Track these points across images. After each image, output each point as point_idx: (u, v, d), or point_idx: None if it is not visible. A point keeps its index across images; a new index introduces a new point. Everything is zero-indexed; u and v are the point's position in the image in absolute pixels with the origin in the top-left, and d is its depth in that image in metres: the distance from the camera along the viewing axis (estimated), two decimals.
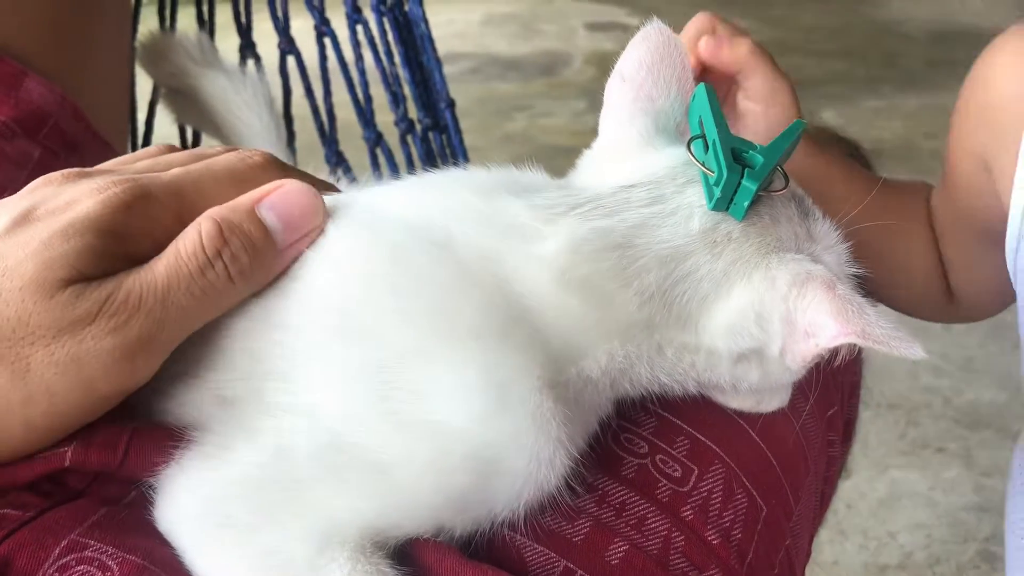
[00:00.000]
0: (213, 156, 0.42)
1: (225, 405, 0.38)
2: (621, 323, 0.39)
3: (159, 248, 0.38)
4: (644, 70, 0.44)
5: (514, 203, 0.40)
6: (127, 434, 0.38)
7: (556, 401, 0.37)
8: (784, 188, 0.41)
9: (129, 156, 0.45)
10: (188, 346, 0.39)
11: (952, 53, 3.35)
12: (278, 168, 0.43)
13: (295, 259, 0.39)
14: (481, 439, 0.35)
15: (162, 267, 0.37)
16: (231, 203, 0.39)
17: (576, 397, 0.38)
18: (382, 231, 0.40)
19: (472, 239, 0.39)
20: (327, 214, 0.40)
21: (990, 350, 1.68)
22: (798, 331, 0.38)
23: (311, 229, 0.39)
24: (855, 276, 0.41)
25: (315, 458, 0.36)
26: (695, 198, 0.40)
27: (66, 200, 0.38)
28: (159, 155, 0.44)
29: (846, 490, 1.37)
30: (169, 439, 0.38)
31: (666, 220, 0.39)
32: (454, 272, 0.38)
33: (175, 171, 0.41)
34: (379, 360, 0.36)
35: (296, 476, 0.35)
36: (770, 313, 0.39)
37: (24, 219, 0.37)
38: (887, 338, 0.37)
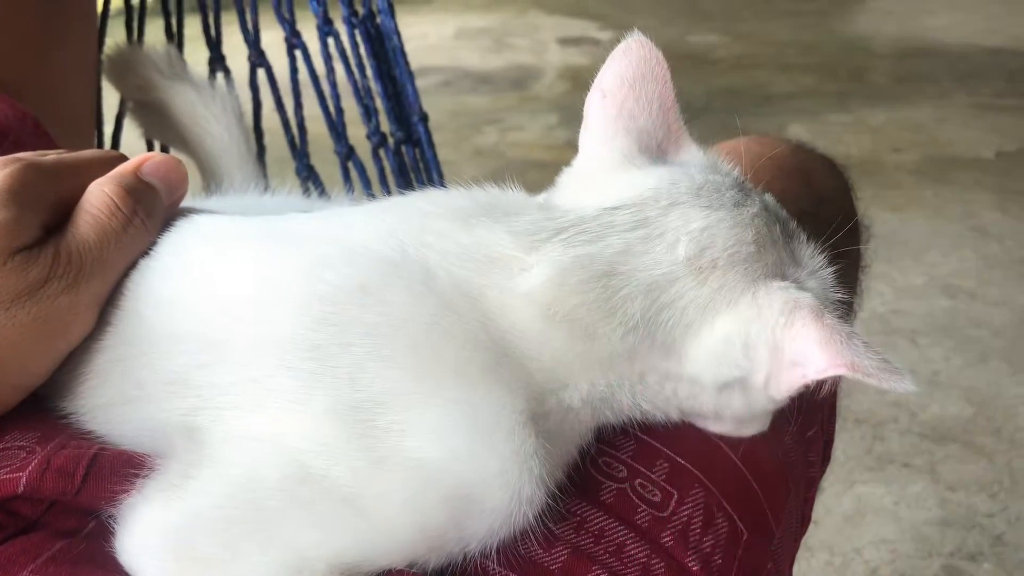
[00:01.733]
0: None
1: (190, 432, 0.37)
2: (604, 354, 0.38)
3: (56, 216, 0.42)
4: (626, 86, 0.43)
5: (494, 230, 0.39)
6: (86, 460, 0.37)
7: (538, 436, 0.36)
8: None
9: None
10: (146, 372, 0.38)
11: (919, 68, 3.40)
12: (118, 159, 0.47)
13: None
14: (463, 478, 0.35)
15: (89, 228, 0.41)
16: (116, 172, 0.44)
17: (557, 427, 0.38)
18: (351, 270, 0.38)
19: (452, 274, 0.38)
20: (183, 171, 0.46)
21: (955, 364, 1.70)
22: (784, 360, 0.38)
23: (182, 180, 0.46)
24: (841, 302, 0.40)
25: (283, 490, 0.35)
26: (680, 222, 0.39)
27: None
28: None
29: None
30: (131, 466, 0.37)
31: (651, 246, 0.39)
32: (434, 310, 0.37)
33: (52, 154, 0.45)
34: (357, 399, 0.35)
35: (263, 508, 0.34)
36: (756, 342, 0.38)
37: None
38: (877, 371, 0.36)
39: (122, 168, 0.44)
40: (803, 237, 0.43)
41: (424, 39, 3.81)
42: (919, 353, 1.73)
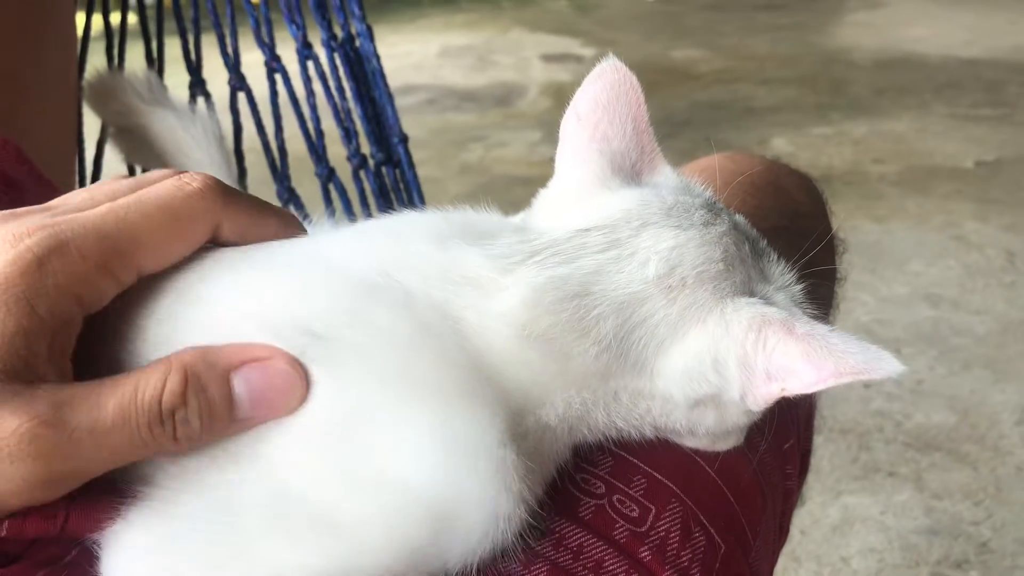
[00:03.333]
0: (151, 183, 0.39)
1: (175, 458, 0.37)
2: (579, 372, 0.39)
3: (81, 304, 0.35)
4: (600, 109, 0.44)
5: (470, 253, 0.39)
6: (65, 503, 0.36)
7: (518, 455, 0.36)
8: None
9: (74, 192, 0.41)
10: None
11: (898, 80, 3.44)
12: (221, 196, 0.39)
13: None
14: (442, 497, 0.35)
15: (113, 407, 0.33)
16: (208, 356, 0.35)
17: (536, 446, 0.38)
18: (333, 293, 0.38)
19: (430, 295, 0.38)
20: (304, 395, 0.36)
21: (939, 372, 1.72)
22: (757, 375, 0.39)
23: (277, 413, 0.36)
24: (812, 316, 0.41)
25: (264, 512, 0.35)
26: (651, 242, 0.40)
27: None
28: (105, 186, 0.40)
29: (800, 516, 1.38)
30: (115, 494, 0.37)
31: (622, 265, 0.39)
32: (413, 330, 0.37)
33: (100, 209, 0.37)
34: (336, 419, 0.36)
35: (244, 531, 0.35)
36: (726, 358, 0.39)
37: None
38: (862, 366, 0.37)
39: (223, 356, 0.36)
40: (773, 255, 0.44)
41: (408, 57, 3.83)
42: (903, 362, 1.74)
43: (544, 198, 0.45)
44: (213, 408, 0.35)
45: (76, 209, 0.37)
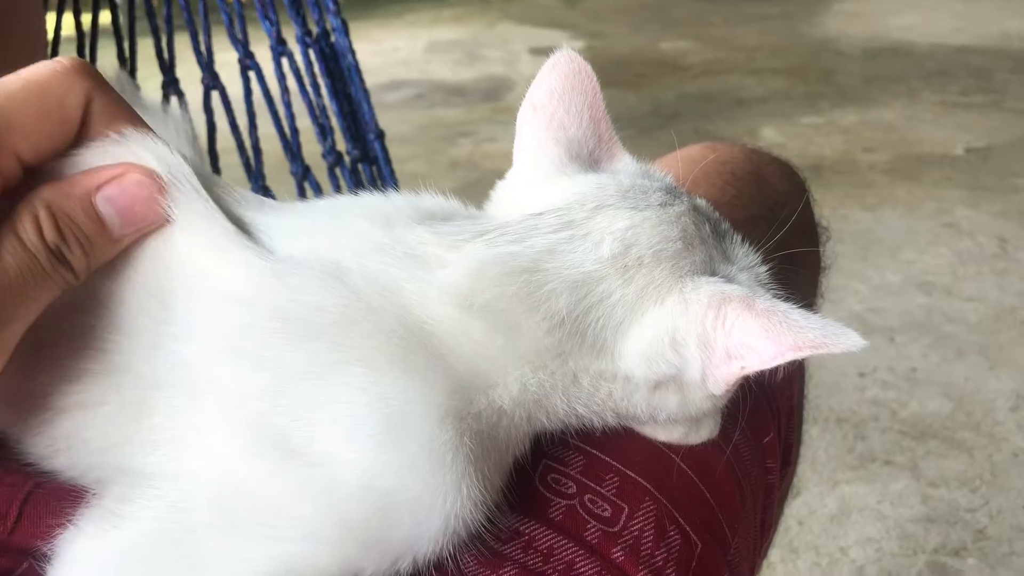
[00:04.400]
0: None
1: (125, 453, 0.36)
2: (529, 349, 0.38)
3: None
4: (555, 99, 0.43)
5: (416, 230, 0.39)
6: (20, 498, 0.36)
7: (461, 433, 0.35)
8: None
9: None
10: (78, 411, 0.37)
11: (887, 68, 3.43)
12: (91, 73, 0.38)
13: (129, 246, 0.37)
14: (372, 469, 0.34)
15: (12, 261, 0.34)
16: (66, 187, 0.36)
17: (490, 432, 0.37)
18: (265, 270, 0.37)
19: (366, 268, 0.37)
20: (165, 198, 0.37)
21: (933, 360, 1.71)
22: (717, 354, 0.38)
23: (150, 222, 0.37)
24: (784, 299, 0.40)
25: (209, 505, 0.34)
26: (605, 223, 0.39)
27: None
28: None
29: (797, 507, 1.37)
30: (68, 499, 0.36)
31: (575, 245, 0.39)
32: (345, 302, 0.36)
33: None
34: (266, 399, 0.35)
35: (190, 529, 0.34)
36: (685, 337, 0.38)
37: None
38: (822, 340, 0.36)
39: (79, 184, 0.36)
40: (737, 237, 0.43)
41: (395, 53, 3.81)
42: (897, 350, 1.73)
43: (502, 188, 0.44)
44: (89, 234, 0.36)
45: None
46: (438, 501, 0.34)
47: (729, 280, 0.39)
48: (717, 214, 0.44)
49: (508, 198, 0.43)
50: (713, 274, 0.40)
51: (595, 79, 0.44)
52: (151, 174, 0.37)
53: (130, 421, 0.36)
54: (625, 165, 0.44)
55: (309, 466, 0.34)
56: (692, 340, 0.38)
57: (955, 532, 1.33)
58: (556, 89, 0.43)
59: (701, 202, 0.44)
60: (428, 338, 0.36)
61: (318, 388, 0.35)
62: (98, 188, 0.36)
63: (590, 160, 0.44)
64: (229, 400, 0.35)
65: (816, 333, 0.36)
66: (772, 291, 0.40)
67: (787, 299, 0.38)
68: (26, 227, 0.35)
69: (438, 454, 0.34)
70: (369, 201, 0.42)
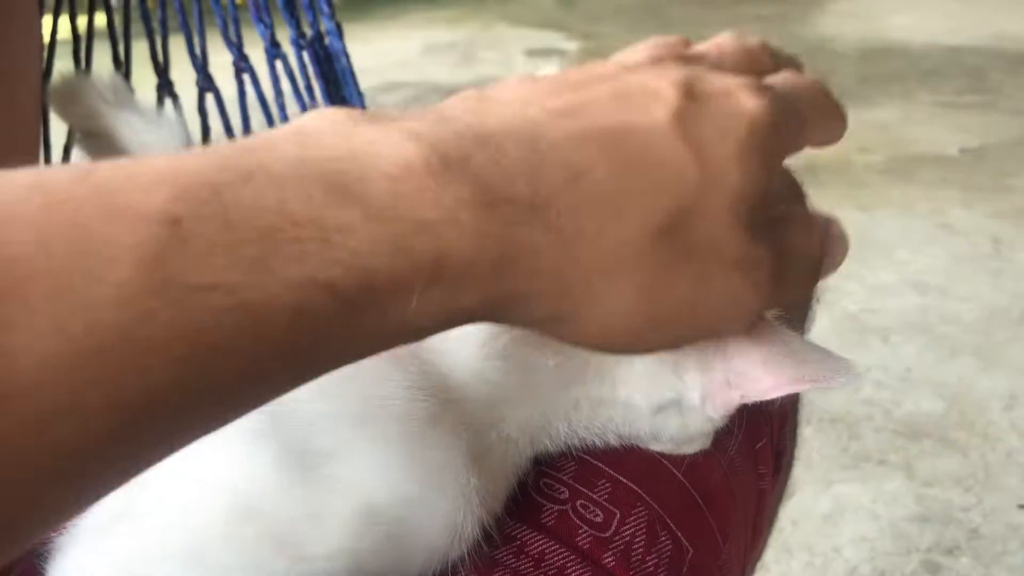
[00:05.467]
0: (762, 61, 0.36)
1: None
2: (538, 384, 0.38)
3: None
4: None
5: None
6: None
7: (481, 475, 0.36)
8: None
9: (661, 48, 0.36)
10: None
11: (882, 68, 3.44)
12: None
13: None
14: (407, 520, 0.34)
15: (805, 260, 0.34)
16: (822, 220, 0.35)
17: (499, 463, 0.38)
18: None
19: None
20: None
21: (927, 360, 1.71)
22: (716, 380, 0.38)
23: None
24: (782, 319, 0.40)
25: (223, 530, 0.34)
26: None
27: (720, 89, 0.31)
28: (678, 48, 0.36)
29: (791, 507, 1.38)
30: None
31: None
32: (377, 360, 0.37)
33: (785, 80, 0.34)
34: (303, 446, 0.35)
35: (198, 547, 0.34)
36: (685, 363, 0.38)
37: (689, 94, 0.30)
38: (822, 373, 0.35)
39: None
40: None
41: (391, 55, 3.81)
42: (891, 350, 1.74)
43: None
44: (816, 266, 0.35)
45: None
46: (458, 545, 0.35)
47: None
48: None
49: None
50: None
51: None
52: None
53: None
54: None
55: (337, 515, 0.34)
56: (692, 366, 0.38)
57: (949, 531, 1.34)
58: None
59: None
60: (452, 390, 0.37)
61: (354, 443, 0.35)
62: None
63: None
64: (262, 443, 0.35)
65: (817, 367, 0.36)
66: (776, 316, 0.40)
67: (786, 322, 0.38)
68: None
69: (471, 504, 0.35)
70: None
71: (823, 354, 0.36)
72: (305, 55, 0.84)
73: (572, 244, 0.27)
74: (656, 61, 0.33)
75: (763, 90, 0.31)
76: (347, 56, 0.85)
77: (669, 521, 0.42)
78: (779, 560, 1.31)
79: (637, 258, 0.28)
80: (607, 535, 0.40)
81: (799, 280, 0.34)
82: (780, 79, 0.34)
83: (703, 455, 0.44)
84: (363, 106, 0.84)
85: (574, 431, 0.40)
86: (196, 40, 0.89)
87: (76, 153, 0.81)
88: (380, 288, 0.24)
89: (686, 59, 0.34)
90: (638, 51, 0.35)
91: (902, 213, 2.30)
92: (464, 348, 0.37)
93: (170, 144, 0.73)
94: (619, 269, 0.28)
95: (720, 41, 0.36)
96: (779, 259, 0.31)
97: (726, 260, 0.30)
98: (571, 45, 3.89)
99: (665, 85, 0.30)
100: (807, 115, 0.34)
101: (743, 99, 0.30)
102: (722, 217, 0.29)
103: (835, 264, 0.37)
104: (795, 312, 0.43)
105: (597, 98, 0.30)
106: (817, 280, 0.35)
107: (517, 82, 0.32)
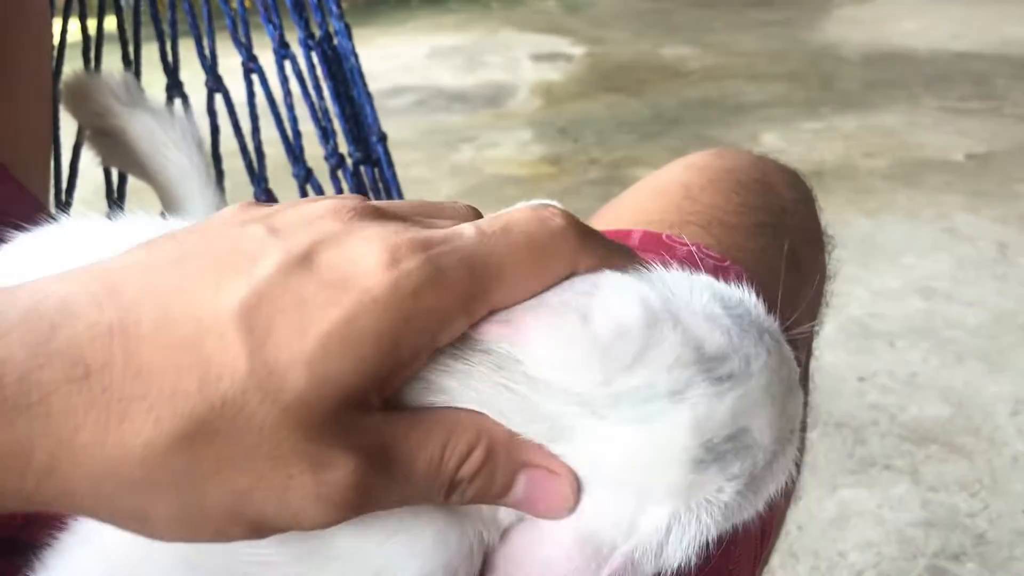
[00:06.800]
0: (507, 214, 0.34)
1: None
2: None
3: (434, 341, 0.31)
4: None
5: None
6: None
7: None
8: None
9: (420, 205, 0.35)
10: None
11: (887, 74, 3.44)
12: (580, 237, 0.34)
13: None
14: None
15: (421, 465, 0.31)
16: (513, 444, 0.33)
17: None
18: None
19: None
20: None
21: (932, 365, 1.71)
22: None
23: (547, 512, 0.34)
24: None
25: None
26: None
27: (348, 256, 0.30)
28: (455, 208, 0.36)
29: (796, 512, 1.37)
30: None
31: None
32: None
33: (471, 236, 0.32)
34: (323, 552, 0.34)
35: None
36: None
37: (303, 262, 0.29)
38: None
39: (522, 449, 0.33)
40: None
41: (397, 59, 3.82)
42: (896, 355, 1.74)
43: None
44: (489, 492, 0.33)
45: (439, 227, 0.33)
46: None
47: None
48: None
49: None
50: None
51: None
52: (574, 491, 0.34)
53: None
54: None
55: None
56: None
57: (955, 536, 1.33)
58: None
59: None
60: None
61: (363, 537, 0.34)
62: (529, 465, 0.33)
63: None
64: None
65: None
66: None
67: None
68: (455, 448, 0.32)
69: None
70: None
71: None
72: (314, 55, 0.85)
73: (66, 445, 0.26)
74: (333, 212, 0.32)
75: (402, 261, 0.30)
76: (356, 56, 0.85)
77: None
78: (785, 565, 1.30)
79: (149, 465, 0.27)
80: None
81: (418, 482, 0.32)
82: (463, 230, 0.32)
83: None
84: (371, 105, 0.85)
85: None
86: (205, 41, 0.89)
87: (86, 152, 0.82)
88: None
89: (368, 214, 0.32)
90: (317, 205, 0.33)
91: (908, 218, 2.30)
92: None
93: (181, 143, 0.74)
94: (131, 476, 0.27)
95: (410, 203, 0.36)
96: (379, 457, 0.30)
97: (279, 469, 0.28)
98: (577, 50, 3.90)
99: (272, 250, 0.29)
100: (499, 266, 0.32)
101: (363, 273, 0.29)
102: (273, 425, 0.28)
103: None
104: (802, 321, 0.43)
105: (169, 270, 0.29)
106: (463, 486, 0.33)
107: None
